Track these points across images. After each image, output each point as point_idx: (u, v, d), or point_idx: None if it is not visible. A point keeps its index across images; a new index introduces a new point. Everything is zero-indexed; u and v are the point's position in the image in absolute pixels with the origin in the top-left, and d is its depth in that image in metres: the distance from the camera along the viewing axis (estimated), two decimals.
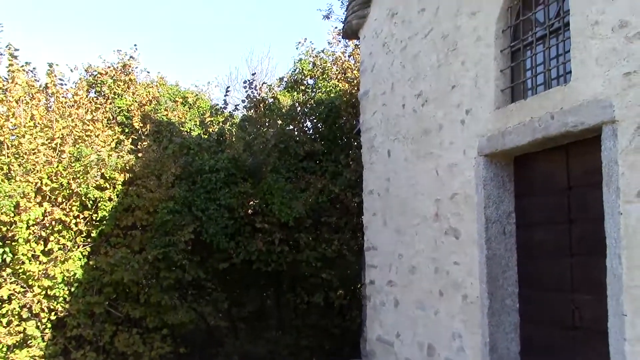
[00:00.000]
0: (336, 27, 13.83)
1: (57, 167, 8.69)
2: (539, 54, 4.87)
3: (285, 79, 13.38)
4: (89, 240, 8.91)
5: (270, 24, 33.93)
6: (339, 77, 12.53)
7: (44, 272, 8.36)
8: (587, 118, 4.04)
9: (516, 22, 5.08)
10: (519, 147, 4.85)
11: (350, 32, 8.52)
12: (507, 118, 4.94)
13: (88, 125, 9.45)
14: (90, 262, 8.72)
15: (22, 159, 8.44)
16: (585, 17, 4.10)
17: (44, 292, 8.39)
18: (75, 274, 8.56)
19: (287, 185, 10.10)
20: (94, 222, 8.90)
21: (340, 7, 16.31)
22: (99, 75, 11.80)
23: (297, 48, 12.99)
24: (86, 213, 8.79)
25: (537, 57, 4.90)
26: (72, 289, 8.57)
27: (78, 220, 8.73)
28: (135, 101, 11.59)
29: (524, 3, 5.03)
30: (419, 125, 6.42)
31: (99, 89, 11.67)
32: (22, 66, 9.51)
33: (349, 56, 13.02)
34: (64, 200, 8.71)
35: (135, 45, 16.25)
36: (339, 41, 13.35)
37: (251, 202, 10.24)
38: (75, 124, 9.27)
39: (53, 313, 8.50)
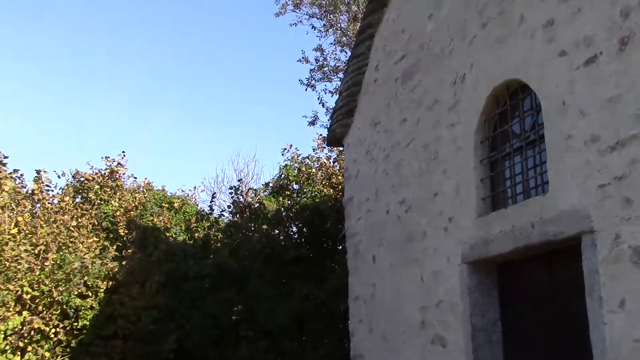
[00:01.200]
0: (321, 134, 14.23)
1: (40, 274, 8.60)
2: (517, 164, 5.03)
3: (271, 184, 13.58)
4: (68, 350, 8.67)
5: (257, 126, 34.79)
6: (324, 183, 12.74)
7: None
8: (567, 228, 4.13)
9: (493, 134, 5.29)
10: (502, 255, 4.91)
11: (334, 140, 8.77)
12: (489, 226, 5.03)
13: (73, 231, 9.46)
14: None
15: (4, 267, 8.35)
16: (558, 131, 4.28)
17: None
18: None
19: (273, 290, 10.02)
20: (74, 332, 8.70)
21: (325, 114, 16.84)
22: (86, 182, 11.94)
23: (282, 154, 13.27)
24: (66, 322, 8.62)
25: (515, 167, 5.06)
26: None
27: (58, 329, 8.54)
28: (122, 207, 11.67)
29: (501, 116, 5.25)
30: (403, 231, 6.49)
31: (86, 195, 11.77)
32: (10, 173, 9.62)
33: (334, 162, 13.32)
34: (44, 308, 8.56)
35: (123, 152, 16.45)
36: (324, 147, 13.69)
37: (236, 309, 10.10)
38: (60, 231, 9.28)
39: None
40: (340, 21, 17.14)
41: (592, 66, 3.96)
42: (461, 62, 5.63)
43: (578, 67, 4.10)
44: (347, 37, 16.57)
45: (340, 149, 11.91)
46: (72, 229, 9.35)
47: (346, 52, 16.38)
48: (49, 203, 9.95)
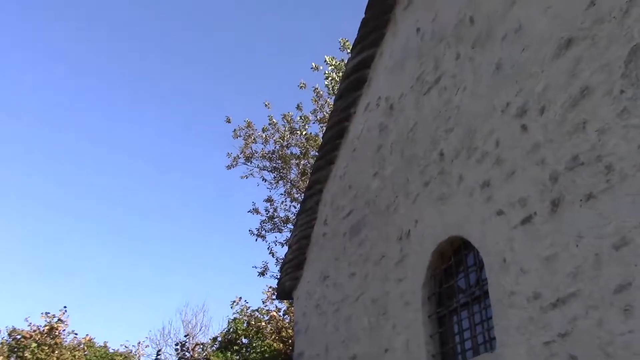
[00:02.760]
0: (271, 286, 14.09)
1: None
2: (465, 320, 5.06)
3: (219, 339, 13.15)
4: None
5: (207, 275, 34.18)
6: (273, 337, 12.43)
7: None
8: None
9: (440, 289, 5.36)
10: None
11: (284, 293, 8.70)
12: None
13: None
14: None
15: None
16: (501, 287, 4.38)
17: None
18: None
19: None
20: None
21: (275, 264, 16.77)
22: (22, 339, 11.32)
23: (231, 307, 13.00)
24: None
25: (463, 323, 5.08)
26: None
27: None
28: None
29: (446, 271, 5.36)
30: None
31: (21, 354, 11.10)
32: None
33: (284, 314, 13.09)
34: None
35: (65, 307, 15.83)
36: (274, 299, 13.50)
37: None
38: None
39: None
40: (291, 173, 17.64)
41: (528, 225, 4.16)
42: (406, 218, 5.83)
43: (515, 226, 4.29)
44: (297, 189, 16.98)
45: (290, 301, 11.79)
46: None
47: (295, 206, 16.71)
48: None
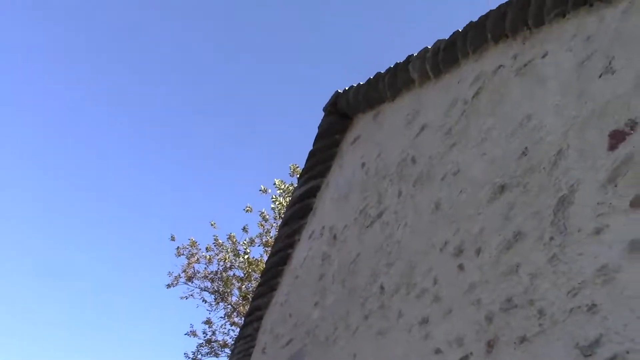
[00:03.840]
0: None
1: None
2: None
3: None
4: None
5: None
6: None
7: None
8: None
9: None
10: None
11: None
12: None
13: None
14: None
15: None
16: None
17: None
18: None
19: None
20: None
21: None
22: None
23: None
24: None
25: None
26: None
27: None
28: None
29: None
30: None
31: None
32: None
33: None
34: None
35: None
36: None
37: None
38: None
39: None
40: (232, 296, 17.29)
41: None
42: (345, 351, 5.73)
43: None
44: (237, 313, 16.58)
45: None
46: None
47: (234, 330, 16.26)
48: None
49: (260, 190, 16.98)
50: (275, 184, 16.57)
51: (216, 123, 33.43)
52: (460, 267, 4.36)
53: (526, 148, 3.91)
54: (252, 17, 30.27)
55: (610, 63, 3.42)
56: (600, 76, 3.46)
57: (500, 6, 4.41)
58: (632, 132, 3.11)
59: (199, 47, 32.20)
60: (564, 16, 3.92)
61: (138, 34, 32.02)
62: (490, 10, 4.51)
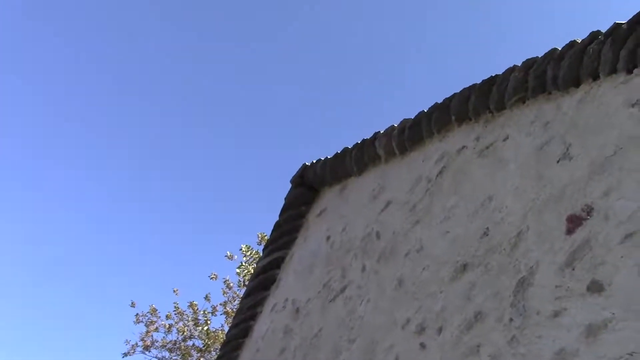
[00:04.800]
0: None
1: None
2: None
3: None
4: None
5: None
6: None
7: None
8: None
9: None
10: None
11: None
12: None
13: None
14: None
15: None
16: None
17: None
18: None
19: None
20: None
21: None
22: None
23: None
24: None
25: None
26: None
27: None
28: None
29: None
30: None
31: None
32: None
33: None
34: None
35: None
36: None
37: None
38: None
39: None
40: None
41: None
42: None
43: None
44: None
45: None
46: None
47: None
48: None
49: (226, 256, 16.79)
50: (241, 249, 16.41)
51: (183, 187, 33.29)
52: (422, 345, 4.32)
53: (487, 228, 3.98)
54: (231, 91, 30.69)
55: (567, 149, 3.55)
56: (558, 161, 3.58)
57: (463, 90, 4.58)
58: (588, 217, 3.20)
59: (169, 117, 32.43)
60: (524, 102, 4.08)
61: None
62: (455, 93, 4.67)
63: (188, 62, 31.22)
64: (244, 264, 16.28)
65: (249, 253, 16.29)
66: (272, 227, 7.24)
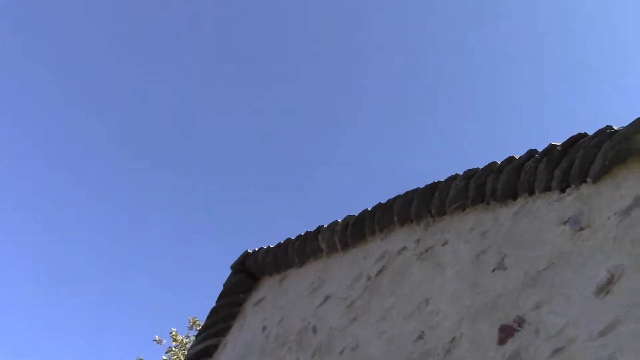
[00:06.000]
0: None
1: None
2: None
3: None
4: None
5: None
6: None
7: None
8: None
9: None
10: None
11: None
12: None
13: None
14: None
15: None
16: None
17: None
18: None
19: None
20: None
21: None
22: None
23: None
24: None
25: None
26: None
27: None
28: None
29: None
30: None
31: None
32: None
33: None
34: None
35: None
36: None
37: None
38: None
39: None
40: None
41: None
42: None
43: None
44: None
45: None
46: None
47: None
48: None
49: (154, 340, 16.15)
50: (171, 334, 15.84)
51: (111, 263, 32.21)
52: None
53: (423, 332, 4.00)
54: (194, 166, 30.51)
55: (502, 259, 3.66)
56: (493, 270, 3.69)
57: (407, 192, 4.72)
58: (519, 328, 3.27)
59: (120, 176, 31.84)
60: (463, 210, 4.23)
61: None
62: (398, 195, 4.80)
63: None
64: (173, 349, 15.68)
65: (178, 339, 15.72)
66: (207, 313, 7.06)
